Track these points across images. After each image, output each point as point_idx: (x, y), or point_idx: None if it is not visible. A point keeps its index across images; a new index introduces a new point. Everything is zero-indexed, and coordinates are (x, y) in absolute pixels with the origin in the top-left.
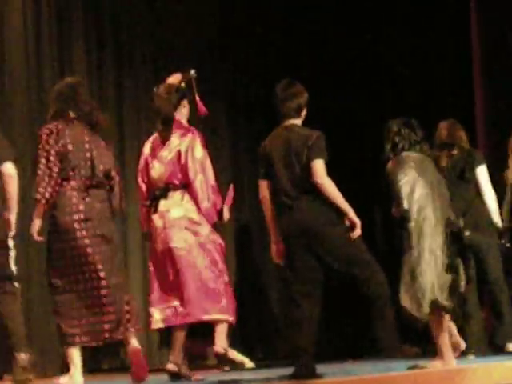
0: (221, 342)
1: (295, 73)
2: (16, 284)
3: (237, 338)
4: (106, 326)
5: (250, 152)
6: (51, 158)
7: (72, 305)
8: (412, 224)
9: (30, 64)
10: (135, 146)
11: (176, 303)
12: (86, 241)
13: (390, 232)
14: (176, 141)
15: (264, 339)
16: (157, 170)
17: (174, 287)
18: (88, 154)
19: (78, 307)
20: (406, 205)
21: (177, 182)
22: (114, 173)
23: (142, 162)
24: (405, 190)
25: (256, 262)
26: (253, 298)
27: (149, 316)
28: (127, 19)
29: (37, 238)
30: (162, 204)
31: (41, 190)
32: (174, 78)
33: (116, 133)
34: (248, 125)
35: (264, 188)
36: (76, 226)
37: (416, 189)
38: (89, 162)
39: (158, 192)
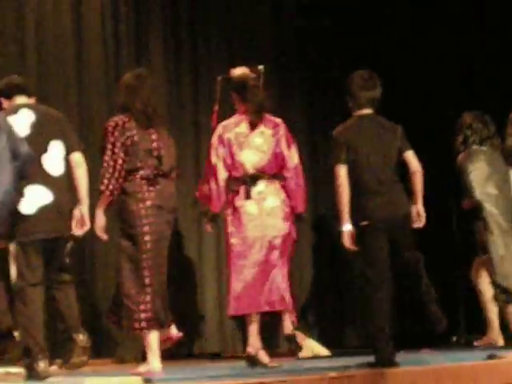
0: (288, 326)
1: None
2: (68, 276)
3: (312, 326)
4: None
5: (326, 139)
6: (116, 151)
7: (140, 290)
8: (486, 213)
9: (108, 64)
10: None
11: (257, 290)
12: (156, 227)
13: (465, 223)
14: (269, 130)
15: (339, 328)
16: (249, 156)
17: (258, 275)
18: (155, 145)
19: (144, 292)
20: (477, 195)
21: (271, 171)
22: (175, 166)
23: (224, 146)
24: (476, 181)
25: (332, 252)
26: (328, 286)
27: (227, 303)
28: (204, 16)
29: (100, 234)
30: (257, 191)
31: (105, 181)
32: (241, 70)
33: (192, 125)
34: (324, 113)
35: (344, 173)
36: (149, 212)
37: (486, 180)
38: (156, 153)
39: (248, 178)
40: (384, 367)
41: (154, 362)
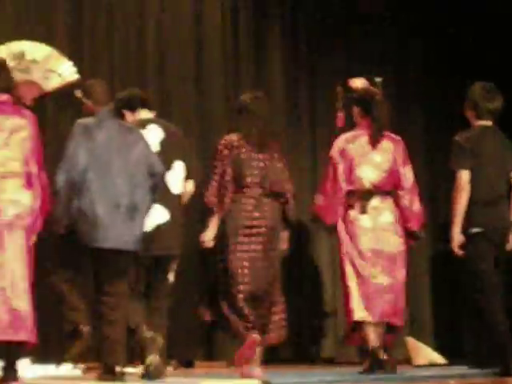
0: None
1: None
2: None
3: (428, 334)
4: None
5: (443, 149)
6: (224, 168)
7: (234, 301)
8: None
9: (227, 62)
10: (326, 142)
11: (374, 301)
12: (247, 247)
13: None
14: (389, 146)
15: (455, 335)
16: (367, 172)
17: (375, 286)
18: (261, 164)
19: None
20: None
21: (386, 188)
22: (288, 186)
23: (345, 160)
24: None
25: (447, 260)
26: (445, 294)
27: (348, 311)
28: (322, 14)
29: (207, 244)
30: (372, 206)
31: (210, 196)
32: (360, 82)
33: (308, 133)
34: (441, 120)
35: (466, 178)
36: (246, 231)
37: None
38: (262, 173)
39: (364, 193)
40: (508, 376)
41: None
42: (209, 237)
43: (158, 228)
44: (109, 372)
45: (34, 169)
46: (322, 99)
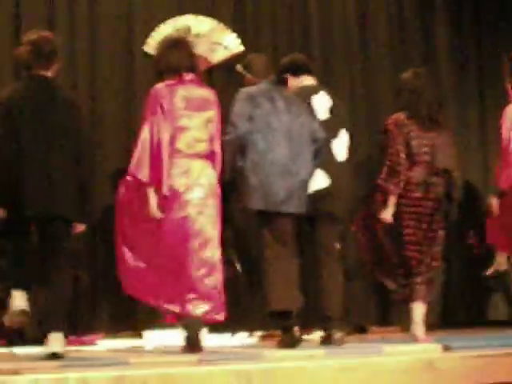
0: None
1: None
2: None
3: None
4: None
5: None
6: (398, 147)
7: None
8: None
9: (393, 37)
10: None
11: None
12: (412, 223)
13: None
14: None
15: None
16: None
17: None
18: (430, 143)
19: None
20: None
21: None
22: (455, 164)
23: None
24: None
25: None
26: None
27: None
28: None
29: (388, 221)
30: None
31: (383, 181)
32: None
33: (476, 102)
34: None
35: None
36: (406, 209)
37: None
38: (431, 151)
39: None
40: None
41: (416, 329)
42: (388, 215)
43: (319, 192)
44: (287, 332)
45: (217, 148)
46: (490, 71)
